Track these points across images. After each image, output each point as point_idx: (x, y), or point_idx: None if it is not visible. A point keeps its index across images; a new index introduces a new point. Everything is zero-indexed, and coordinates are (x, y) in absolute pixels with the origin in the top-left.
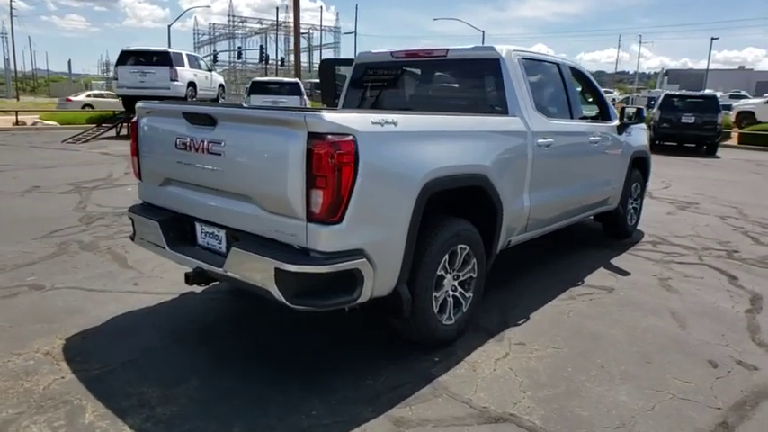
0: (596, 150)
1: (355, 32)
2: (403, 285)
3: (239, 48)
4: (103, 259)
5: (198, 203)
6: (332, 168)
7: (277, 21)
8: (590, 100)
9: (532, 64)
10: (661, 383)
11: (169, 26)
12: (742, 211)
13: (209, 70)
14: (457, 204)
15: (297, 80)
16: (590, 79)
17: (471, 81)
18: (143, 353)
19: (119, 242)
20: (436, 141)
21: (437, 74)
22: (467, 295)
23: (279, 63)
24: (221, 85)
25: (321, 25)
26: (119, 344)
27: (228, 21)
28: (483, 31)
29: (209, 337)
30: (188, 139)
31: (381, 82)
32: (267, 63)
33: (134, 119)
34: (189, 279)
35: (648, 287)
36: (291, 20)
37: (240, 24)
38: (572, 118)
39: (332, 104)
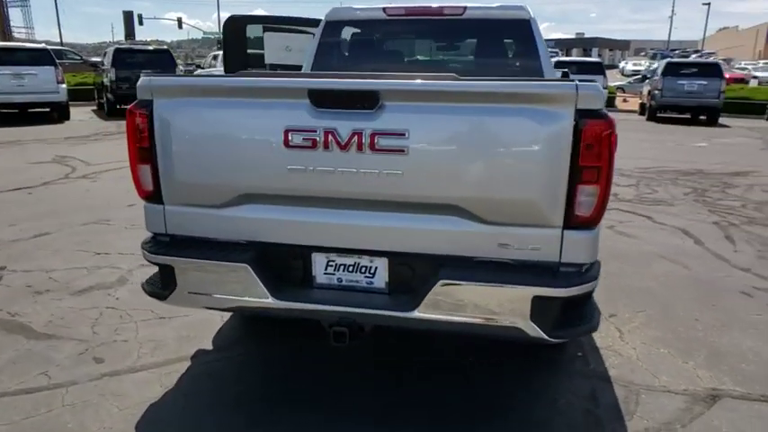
0: None
1: None
2: None
3: None
4: None
5: (326, 226)
6: (608, 156)
7: None
8: None
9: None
10: (748, 323)
11: None
12: None
13: None
14: None
15: (44, 46)
16: None
17: (495, 44)
18: None
19: None
20: None
21: (448, 36)
22: None
23: None
24: None
25: None
26: None
27: None
28: None
29: (305, 408)
30: (319, 132)
31: (368, 45)
32: None
33: (134, 105)
34: (344, 337)
35: (610, 237)
36: None
37: None
38: None
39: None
